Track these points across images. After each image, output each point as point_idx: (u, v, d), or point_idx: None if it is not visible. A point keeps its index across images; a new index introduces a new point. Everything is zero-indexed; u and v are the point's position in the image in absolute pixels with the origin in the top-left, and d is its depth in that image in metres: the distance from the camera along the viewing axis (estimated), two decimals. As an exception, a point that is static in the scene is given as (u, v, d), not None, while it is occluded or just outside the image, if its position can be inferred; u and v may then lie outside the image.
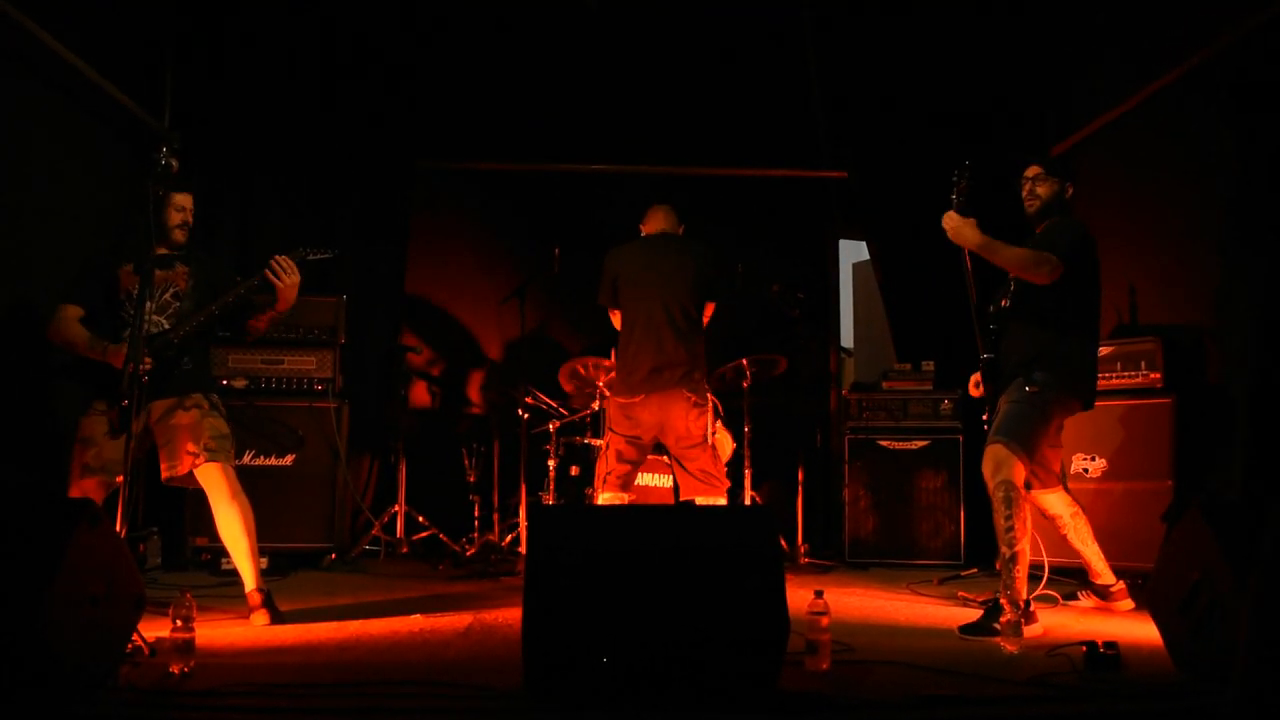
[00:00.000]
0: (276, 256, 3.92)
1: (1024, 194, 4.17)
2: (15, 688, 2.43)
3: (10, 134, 4.64)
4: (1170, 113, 5.29)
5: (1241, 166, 4.68)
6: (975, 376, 4.22)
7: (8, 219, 4.59)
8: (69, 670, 2.52)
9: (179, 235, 4.05)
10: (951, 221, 3.93)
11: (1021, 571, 3.79)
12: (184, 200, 4.04)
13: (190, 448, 3.86)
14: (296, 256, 4.03)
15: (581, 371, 5.88)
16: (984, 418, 4.09)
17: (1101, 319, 4.19)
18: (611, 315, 4.91)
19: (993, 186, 4.31)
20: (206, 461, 3.86)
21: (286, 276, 3.90)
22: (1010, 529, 3.80)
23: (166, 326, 3.93)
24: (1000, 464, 3.86)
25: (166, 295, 3.98)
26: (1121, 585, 4.25)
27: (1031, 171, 4.16)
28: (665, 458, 5.56)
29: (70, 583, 2.55)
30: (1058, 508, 4.28)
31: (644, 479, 5.86)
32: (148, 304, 3.69)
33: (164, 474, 3.93)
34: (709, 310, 4.83)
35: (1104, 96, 5.83)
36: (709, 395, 4.76)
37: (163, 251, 4.00)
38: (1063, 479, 4.31)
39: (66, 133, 5.12)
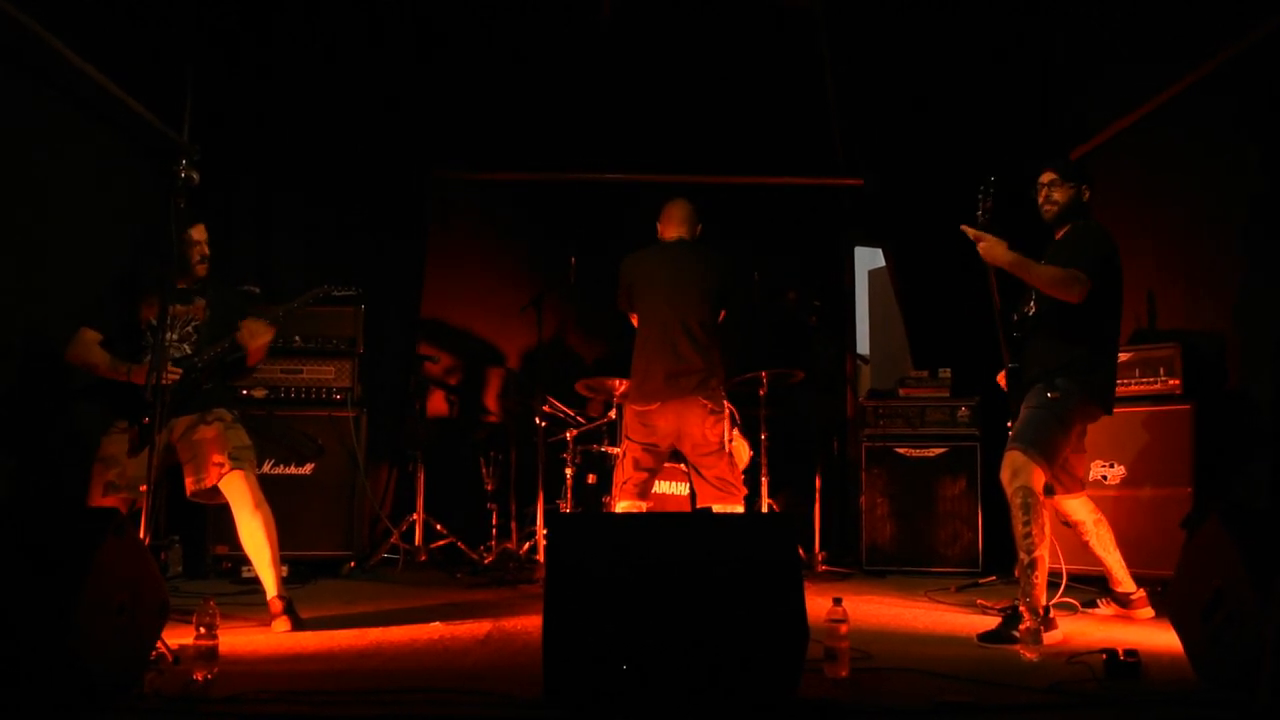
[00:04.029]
0: (244, 321, 4.03)
1: (1040, 200, 4.14)
2: (44, 695, 2.46)
3: (31, 148, 4.67)
4: (1190, 116, 5.27)
5: (1264, 169, 4.66)
6: (1002, 374, 4.22)
7: (28, 234, 4.62)
8: (96, 678, 2.55)
9: (200, 270, 4.14)
10: (983, 242, 3.97)
11: (1040, 578, 3.77)
12: (199, 234, 4.10)
13: (217, 458, 3.92)
14: (322, 293, 4.13)
15: (595, 386, 5.90)
16: (1008, 425, 4.08)
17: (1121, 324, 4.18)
18: (632, 319, 4.91)
19: (1010, 197, 4.28)
20: (232, 469, 3.91)
21: (252, 340, 4.02)
22: (1028, 535, 3.79)
23: (189, 352, 4.00)
24: (1018, 470, 3.85)
25: (189, 328, 4.09)
26: (1142, 593, 4.23)
27: (1046, 178, 4.13)
28: (682, 465, 5.57)
29: (97, 592, 2.58)
30: (1081, 514, 4.26)
31: (661, 486, 5.87)
32: (172, 333, 3.78)
33: (189, 489, 3.97)
34: (719, 316, 4.81)
35: (1123, 100, 5.81)
36: (725, 402, 4.76)
37: (183, 285, 4.08)
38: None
39: (86, 147, 5.15)
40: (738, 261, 5.04)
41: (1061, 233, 4.11)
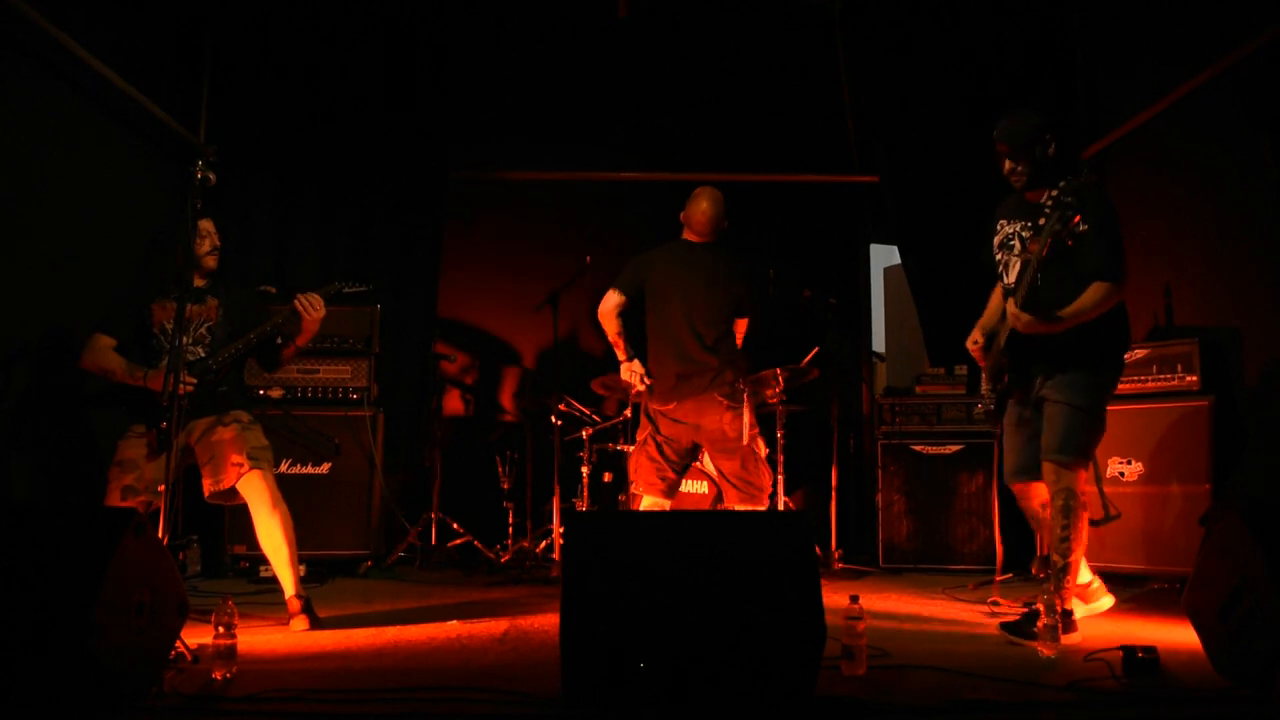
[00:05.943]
0: (300, 295, 4.05)
1: (1005, 172, 3.88)
2: (63, 694, 2.48)
3: (45, 150, 4.69)
4: (1203, 114, 5.23)
5: (1276, 165, 4.63)
6: (974, 335, 4.06)
7: (43, 236, 4.65)
8: (116, 677, 2.56)
9: (210, 261, 4.15)
10: (1019, 320, 3.73)
11: (1072, 582, 3.74)
12: (207, 226, 4.12)
13: (235, 458, 3.93)
14: (333, 289, 4.13)
15: (611, 384, 5.89)
16: (999, 391, 3.95)
17: (1137, 321, 4.11)
18: (607, 294, 4.78)
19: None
20: (250, 469, 3.93)
21: (313, 311, 4.03)
22: (1065, 539, 3.73)
23: (203, 355, 4.02)
24: (1061, 473, 3.79)
25: (202, 330, 4.10)
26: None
27: (1000, 149, 3.84)
28: (700, 464, 5.57)
29: (116, 592, 2.60)
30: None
31: (681, 485, 5.86)
32: (185, 336, 3.81)
33: (207, 490, 3.99)
34: (742, 326, 4.79)
35: (1136, 97, 5.78)
36: (745, 398, 4.72)
37: (198, 284, 4.10)
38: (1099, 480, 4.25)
39: (101, 148, 5.17)
40: (754, 268, 4.99)
41: (1046, 195, 3.67)
